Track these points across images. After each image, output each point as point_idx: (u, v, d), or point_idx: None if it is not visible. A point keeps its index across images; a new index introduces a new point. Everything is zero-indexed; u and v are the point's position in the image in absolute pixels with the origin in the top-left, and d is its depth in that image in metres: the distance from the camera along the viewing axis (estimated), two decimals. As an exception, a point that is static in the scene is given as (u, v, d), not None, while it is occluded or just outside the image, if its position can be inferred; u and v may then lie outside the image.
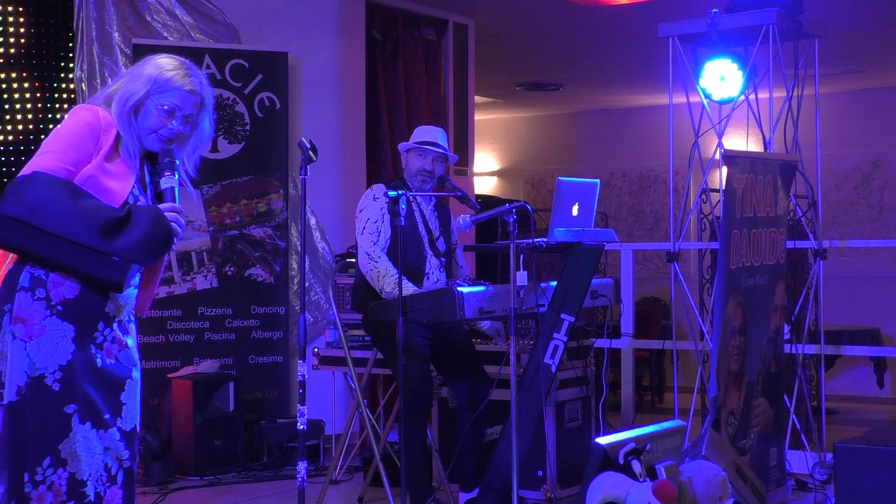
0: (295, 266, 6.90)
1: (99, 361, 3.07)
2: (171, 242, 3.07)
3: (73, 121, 3.08)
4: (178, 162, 3.17)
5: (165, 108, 3.11)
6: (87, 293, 3.03)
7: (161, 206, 3.09)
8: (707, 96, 6.06)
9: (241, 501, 5.65)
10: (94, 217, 2.94)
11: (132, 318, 3.21)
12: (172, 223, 3.06)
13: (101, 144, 3.05)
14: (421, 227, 5.15)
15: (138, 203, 3.09)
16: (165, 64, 3.16)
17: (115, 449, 3.08)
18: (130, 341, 3.18)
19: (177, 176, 3.14)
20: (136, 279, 3.17)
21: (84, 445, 3.01)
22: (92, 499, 3.02)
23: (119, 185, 3.05)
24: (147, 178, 3.20)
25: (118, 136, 3.09)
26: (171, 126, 3.13)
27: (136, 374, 3.19)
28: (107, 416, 3.06)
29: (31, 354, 2.97)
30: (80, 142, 3.03)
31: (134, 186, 3.10)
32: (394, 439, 5.67)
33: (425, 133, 5.18)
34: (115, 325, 3.11)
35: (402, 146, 5.22)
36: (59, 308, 3.00)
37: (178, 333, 6.56)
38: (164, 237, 3.04)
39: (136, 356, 3.20)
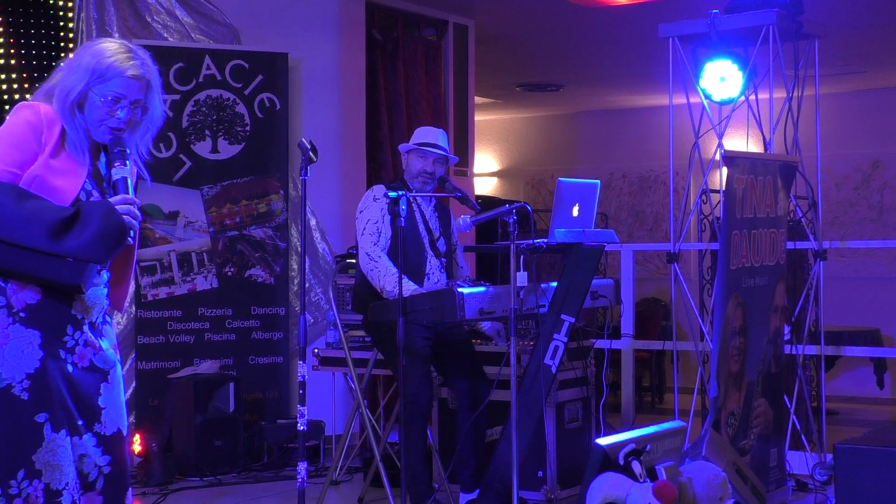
0: (295, 267, 6.90)
1: (70, 367, 2.96)
2: (126, 236, 2.94)
3: (14, 121, 2.95)
4: (128, 151, 3.02)
5: (110, 97, 2.97)
6: (49, 297, 2.92)
7: (112, 198, 2.95)
8: (707, 97, 6.06)
9: (241, 502, 5.65)
10: (41, 218, 2.82)
11: (106, 319, 3.11)
12: (125, 216, 2.92)
13: (45, 142, 2.93)
14: (421, 227, 5.15)
15: (92, 198, 2.97)
16: (104, 51, 3.00)
17: (92, 456, 2.98)
18: (105, 343, 3.07)
19: (128, 166, 3.01)
20: (105, 277, 3.06)
21: (59, 454, 2.90)
22: None
23: (68, 182, 2.93)
24: (104, 171, 3.07)
25: (63, 132, 2.96)
26: (118, 116, 2.99)
27: (115, 375, 3.07)
28: (80, 422, 2.96)
29: None
30: (22, 142, 2.91)
31: (85, 181, 2.97)
32: (394, 440, 5.67)
33: (426, 134, 5.18)
34: (85, 328, 3.00)
35: (402, 147, 5.22)
36: (22, 315, 2.89)
37: (178, 334, 6.55)
38: (116, 232, 2.90)
39: (115, 356, 3.10)
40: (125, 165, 3.01)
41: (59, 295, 2.94)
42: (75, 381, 2.97)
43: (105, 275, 3.08)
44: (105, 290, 3.08)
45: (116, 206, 2.93)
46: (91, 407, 3.00)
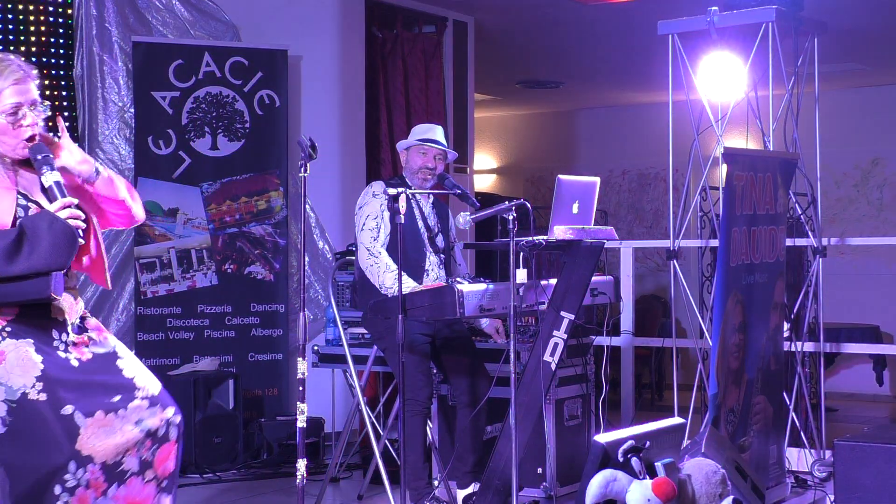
0: (294, 263, 6.90)
1: (75, 361, 3.05)
2: (76, 238, 3.01)
3: None
4: (50, 155, 3.08)
5: (10, 110, 3.04)
6: (25, 310, 3.02)
7: (51, 206, 3.02)
8: (707, 94, 6.05)
9: (240, 499, 5.65)
10: None
11: (85, 315, 3.19)
12: (69, 219, 3.00)
13: None
14: (420, 223, 5.15)
15: (30, 212, 3.04)
16: None
17: (151, 415, 3.09)
18: (94, 334, 3.17)
19: (55, 170, 3.07)
20: (77, 278, 3.18)
21: (102, 434, 3.00)
22: (135, 469, 3.05)
23: (1, 205, 3.01)
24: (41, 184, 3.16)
25: None
26: (25, 123, 3.06)
27: (124, 350, 3.19)
28: (118, 397, 3.05)
29: (3, 380, 2.94)
30: None
31: (18, 197, 3.05)
32: (393, 437, 5.67)
33: (425, 130, 5.17)
34: (69, 329, 3.10)
35: (401, 144, 5.22)
36: (8, 329, 2.99)
37: (177, 331, 6.56)
38: (66, 237, 2.97)
39: (111, 338, 3.20)
40: (53, 169, 3.07)
41: (35, 306, 3.03)
42: (87, 368, 3.06)
43: (78, 276, 3.19)
44: (76, 294, 3.18)
45: (57, 212, 2.99)
46: (118, 382, 3.09)
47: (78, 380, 3.02)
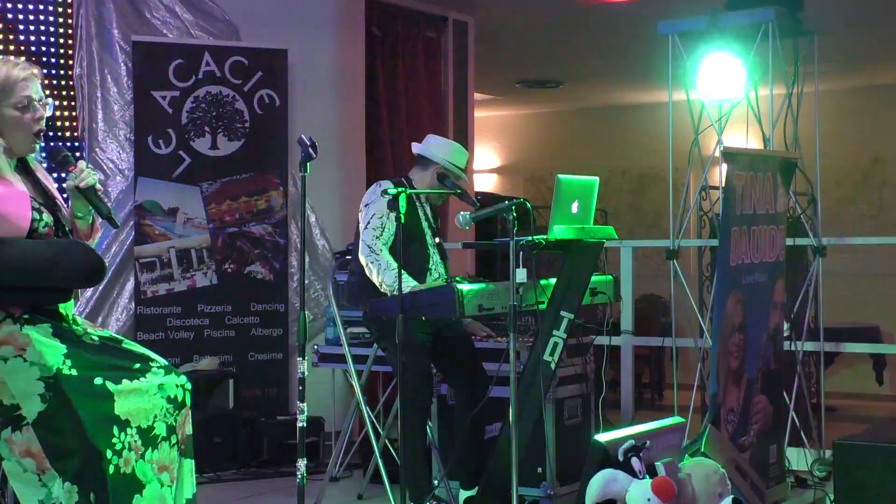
0: (294, 263, 6.90)
1: (89, 340, 3.21)
2: (103, 270, 3.25)
3: None
4: (69, 154, 3.30)
5: (23, 103, 3.17)
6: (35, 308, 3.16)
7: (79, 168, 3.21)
8: (707, 94, 6.05)
9: (240, 498, 5.65)
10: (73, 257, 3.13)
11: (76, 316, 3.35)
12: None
13: None
14: (424, 223, 5.15)
15: (42, 215, 3.16)
16: None
17: (171, 382, 3.26)
18: (88, 325, 3.34)
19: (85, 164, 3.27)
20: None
21: (134, 399, 3.14)
22: (164, 434, 3.21)
23: (17, 206, 3.11)
24: (42, 183, 3.27)
25: None
26: (40, 114, 3.20)
27: (118, 336, 3.40)
28: (137, 365, 3.21)
29: (35, 361, 3.06)
30: None
31: (32, 200, 3.16)
32: (393, 437, 5.67)
33: (460, 155, 5.13)
34: (69, 322, 3.24)
35: (428, 152, 5.14)
36: (26, 317, 3.11)
37: (177, 330, 6.56)
38: (92, 268, 3.20)
39: (103, 330, 3.40)
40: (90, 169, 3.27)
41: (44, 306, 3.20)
42: (103, 344, 3.23)
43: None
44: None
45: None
46: (133, 353, 3.27)
47: (98, 355, 3.17)
